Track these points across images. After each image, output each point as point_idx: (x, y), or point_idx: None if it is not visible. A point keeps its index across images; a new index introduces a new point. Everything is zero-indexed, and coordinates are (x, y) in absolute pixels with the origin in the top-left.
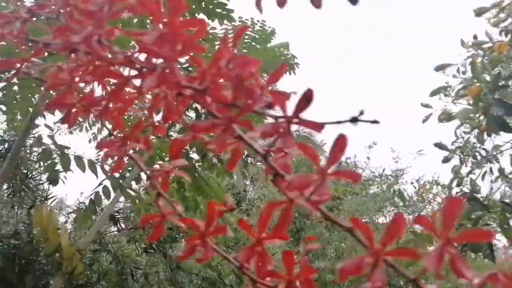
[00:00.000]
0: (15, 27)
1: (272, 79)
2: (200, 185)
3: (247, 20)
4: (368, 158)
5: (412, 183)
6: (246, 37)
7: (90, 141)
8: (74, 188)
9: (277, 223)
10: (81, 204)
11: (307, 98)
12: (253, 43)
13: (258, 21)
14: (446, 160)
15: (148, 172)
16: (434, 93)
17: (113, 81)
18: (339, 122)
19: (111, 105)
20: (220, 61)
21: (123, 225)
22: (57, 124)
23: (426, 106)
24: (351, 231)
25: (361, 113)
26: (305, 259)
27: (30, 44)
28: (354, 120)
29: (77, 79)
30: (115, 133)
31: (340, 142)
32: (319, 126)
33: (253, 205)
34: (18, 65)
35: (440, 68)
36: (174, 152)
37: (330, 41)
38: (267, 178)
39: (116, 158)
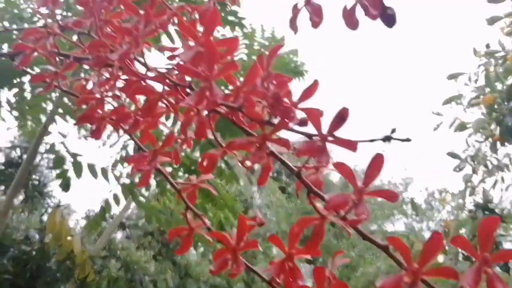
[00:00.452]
0: (48, 42)
1: (305, 96)
2: (209, 192)
3: (257, 27)
4: (357, 149)
5: (421, 191)
6: (256, 43)
7: (99, 146)
8: (80, 194)
9: (310, 239)
10: (90, 211)
11: (341, 117)
12: (263, 50)
13: (268, 28)
14: (459, 169)
15: (176, 185)
16: (446, 102)
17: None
18: (372, 141)
19: (141, 119)
20: (254, 79)
21: (132, 232)
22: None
23: (437, 114)
24: (386, 250)
25: (393, 131)
26: (333, 274)
27: (61, 58)
28: (387, 138)
29: (107, 93)
30: (141, 145)
31: (377, 161)
32: (353, 145)
33: (261, 212)
34: (50, 79)
35: (453, 76)
36: (206, 167)
37: (340, 47)
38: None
39: (144, 172)
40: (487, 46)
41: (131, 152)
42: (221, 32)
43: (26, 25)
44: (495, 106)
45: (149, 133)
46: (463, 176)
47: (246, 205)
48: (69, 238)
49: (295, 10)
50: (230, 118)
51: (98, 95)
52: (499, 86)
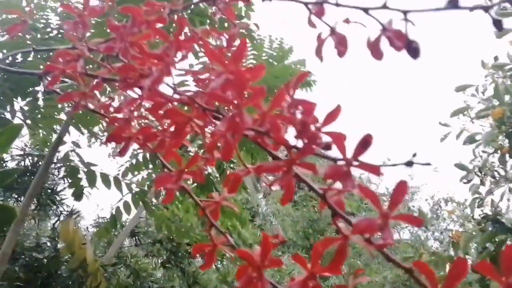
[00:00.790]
0: (78, 65)
1: (328, 120)
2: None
3: (265, 37)
4: (382, 174)
5: (426, 199)
6: (264, 54)
7: (109, 155)
8: (87, 200)
9: (334, 259)
10: (100, 218)
11: (365, 142)
12: (270, 60)
13: (276, 38)
14: (467, 180)
15: (201, 202)
16: (454, 113)
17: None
18: (394, 165)
19: (167, 139)
20: (280, 103)
21: (141, 240)
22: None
23: (444, 125)
24: (411, 273)
25: (414, 155)
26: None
27: (89, 78)
28: (409, 164)
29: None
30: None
31: (401, 187)
32: (377, 170)
33: (266, 220)
34: (78, 98)
35: (461, 89)
36: (232, 186)
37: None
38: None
39: (169, 190)
40: (495, 58)
41: (141, 160)
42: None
43: (39, 36)
44: (505, 120)
45: (175, 152)
46: (470, 187)
47: (252, 213)
48: (82, 246)
49: (320, 40)
50: (256, 141)
51: (125, 116)
52: (506, 97)
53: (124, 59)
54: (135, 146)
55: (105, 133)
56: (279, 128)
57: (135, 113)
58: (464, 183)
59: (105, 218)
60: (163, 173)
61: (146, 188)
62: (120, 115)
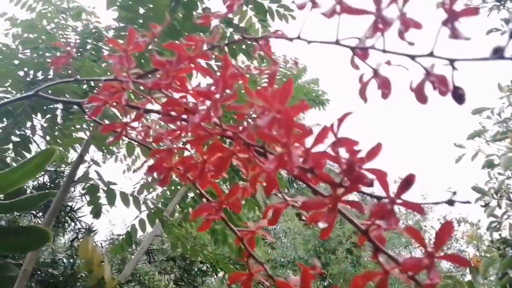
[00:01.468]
0: (122, 97)
1: (369, 157)
2: (231, 219)
3: (280, 57)
4: (424, 212)
5: (439, 219)
6: (278, 74)
7: (124, 172)
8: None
9: None
10: (114, 235)
11: (409, 182)
12: (284, 79)
13: (290, 58)
14: (485, 204)
15: (237, 232)
16: (471, 136)
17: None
18: (437, 203)
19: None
20: (324, 141)
21: (155, 257)
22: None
23: (459, 146)
24: None
25: (455, 193)
26: None
27: (130, 109)
28: (450, 202)
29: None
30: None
31: (447, 228)
32: (420, 208)
33: (278, 238)
34: (119, 129)
35: (477, 111)
36: (273, 219)
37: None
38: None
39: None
40: None
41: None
42: (246, 62)
43: (58, 54)
44: None
45: (215, 183)
46: (486, 209)
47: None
48: (100, 264)
49: (363, 82)
50: (299, 177)
51: (168, 147)
52: None
53: (167, 93)
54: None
55: (121, 150)
56: (323, 166)
57: (175, 145)
58: (482, 206)
59: (119, 235)
60: (204, 203)
61: (160, 205)
62: (161, 145)
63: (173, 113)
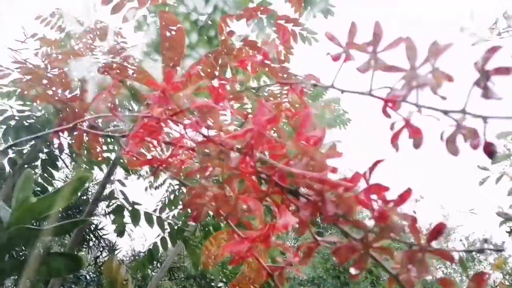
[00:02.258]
0: (160, 135)
1: (400, 202)
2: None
3: (300, 76)
4: (414, 212)
5: (461, 240)
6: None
7: (146, 189)
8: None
9: None
10: (134, 252)
11: (439, 230)
12: (305, 99)
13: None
14: (510, 230)
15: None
16: (496, 160)
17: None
18: (468, 251)
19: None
20: (355, 186)
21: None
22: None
23: (484, 168)
24: None
25: (485, 241)
26: None
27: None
28: (481, 251)
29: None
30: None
31: (481, 278)
32: (450, 257)
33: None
34: (156, 164)
35: (502, 136)
36: (304, 258)
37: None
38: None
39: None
40: None
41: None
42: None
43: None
44: None
45: (247, 220)
46: (509, 231)
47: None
48: (124, 283)
49: (396, 132)
50: (331, 221)
51: (203, 184)
52: None
53: (203, 133)
54: (173, 182)
55: (143, 168)
56: (355, 211)
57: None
58: (507, 232)
59: (140, 252)
60: (236, 240)
61: (181, 223)
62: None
63: (207, 150)
